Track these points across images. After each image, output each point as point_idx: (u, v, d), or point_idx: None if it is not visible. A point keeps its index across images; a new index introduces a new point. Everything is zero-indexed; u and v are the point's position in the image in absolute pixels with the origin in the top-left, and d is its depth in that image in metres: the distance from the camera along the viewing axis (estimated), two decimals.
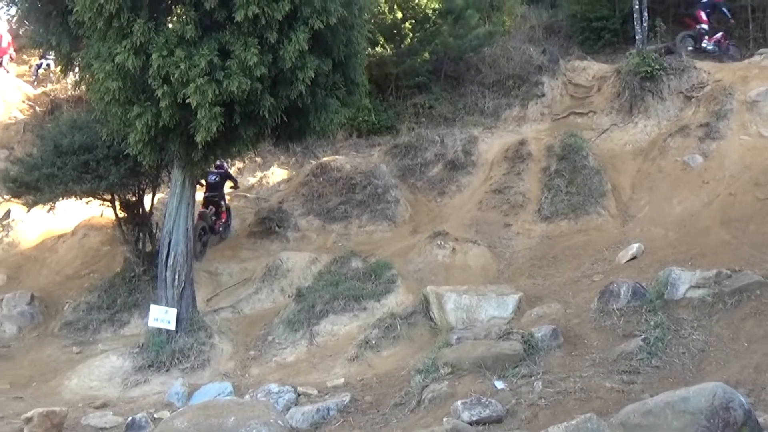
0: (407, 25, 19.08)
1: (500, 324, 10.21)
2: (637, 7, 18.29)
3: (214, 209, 15.97)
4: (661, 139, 17.04)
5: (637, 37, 18.50)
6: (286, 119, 11.09)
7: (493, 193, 16.42)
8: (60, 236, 17.26)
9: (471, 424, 7.08)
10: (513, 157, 17.28)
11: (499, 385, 8.00)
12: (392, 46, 19.09)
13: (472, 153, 17.93)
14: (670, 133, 16.97)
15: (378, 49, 18.69)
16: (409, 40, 19.12)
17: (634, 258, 12.79)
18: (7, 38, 24.85)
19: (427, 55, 19.17)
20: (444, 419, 7.12)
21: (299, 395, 9.83)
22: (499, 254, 14.76)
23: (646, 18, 18.36)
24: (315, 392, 9.95)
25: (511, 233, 15.39)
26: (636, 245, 13.09)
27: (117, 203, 14.61)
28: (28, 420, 9.16)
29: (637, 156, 17.10)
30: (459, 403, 7.39)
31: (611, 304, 9.41)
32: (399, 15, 19.04)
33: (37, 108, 23.19)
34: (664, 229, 14.26)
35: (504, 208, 15.99)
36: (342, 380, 10.42)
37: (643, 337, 8.39)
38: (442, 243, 14.56)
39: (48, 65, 24.66)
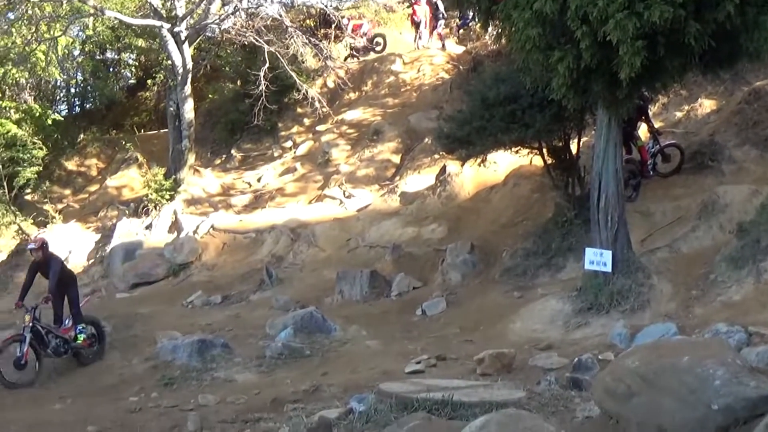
0: None
1: None
2: None
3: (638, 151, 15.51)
4: None
5: None
6: (713, 45, 10.38)
7: None
8: (492, 187, 18.04)
9: None
10: None
11: None
12: None
13: None
14: None
15: None
16: None
17: None
18: (425, 9, 26.40)
19: None
20: None
21: (750, 335, 9.31)
22: None
23: None
24: None
25: None
26: None
27: (544, 150, 14.81)
28: (480, 361, 9.79)
29: None
30: None
31: None
32: None
33: (461, 67, 24.49)
34: None
35: None
36: None
37: None
38: None
39: (467, 24, 25.87)
